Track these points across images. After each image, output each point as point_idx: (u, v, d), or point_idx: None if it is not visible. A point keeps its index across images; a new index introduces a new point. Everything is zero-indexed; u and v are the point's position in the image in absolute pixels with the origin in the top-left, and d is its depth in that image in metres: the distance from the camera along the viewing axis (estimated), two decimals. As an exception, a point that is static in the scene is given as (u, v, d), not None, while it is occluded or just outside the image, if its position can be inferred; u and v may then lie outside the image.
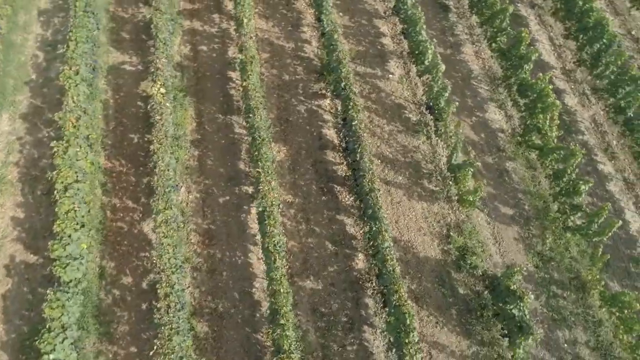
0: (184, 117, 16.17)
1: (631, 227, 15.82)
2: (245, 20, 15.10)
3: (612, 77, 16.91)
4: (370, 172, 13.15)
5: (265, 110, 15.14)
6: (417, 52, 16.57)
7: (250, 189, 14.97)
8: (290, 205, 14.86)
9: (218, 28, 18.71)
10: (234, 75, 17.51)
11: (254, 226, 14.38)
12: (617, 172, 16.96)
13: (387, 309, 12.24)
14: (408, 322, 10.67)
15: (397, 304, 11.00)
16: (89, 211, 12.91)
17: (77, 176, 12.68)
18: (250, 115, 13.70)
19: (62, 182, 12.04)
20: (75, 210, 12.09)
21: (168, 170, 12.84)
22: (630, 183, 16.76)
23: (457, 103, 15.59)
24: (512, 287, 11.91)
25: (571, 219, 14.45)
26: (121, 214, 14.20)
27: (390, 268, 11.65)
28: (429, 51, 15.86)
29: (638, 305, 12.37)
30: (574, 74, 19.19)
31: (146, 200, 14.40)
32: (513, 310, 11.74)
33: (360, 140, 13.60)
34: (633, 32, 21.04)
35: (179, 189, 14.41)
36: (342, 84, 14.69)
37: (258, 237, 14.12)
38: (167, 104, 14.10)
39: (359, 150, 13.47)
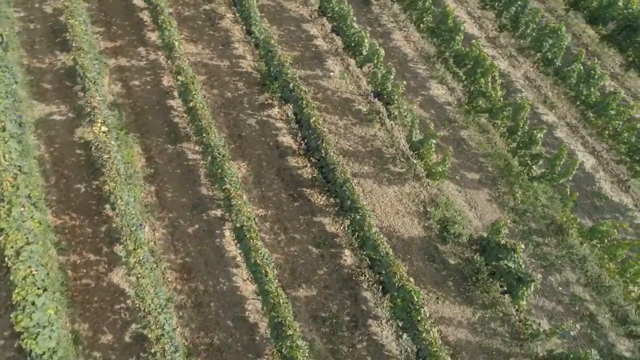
0: (130, 154, 15.22)
1: (586, 165, 16.70)
2: (176, 44, 14.57)
3: (534, 34, 18.01)
4: (340, 163, 12.94)
5: (216, 129, 14.59)
6: (352, 44, 16.77)
7: (218, 213, 14.26)
8: (264, 218, 14.29)
9: (146, 60, 17.98)
10: (174, 103, 16.83)
11: (231, 249, 13.66)
12: (560, 119, 17.96)
13: (388, 296, 11.94)
14: (416, 299, 10.42)
15: (400, 284, 10.74)
16: (47, 274, 11.66)
17: (27, 238, 11.44)
18: (204, 134, 13.10)
19: (12, 247, 10.77)
20: (33, 275, 10.84)
21: (128, 208, 11.91)
22: (574, 126, 17.78)
23: (404, 82, 15.85)
24: (502, 242, 12.05)
25: (534, 169, 15.00)
26: (84, 270, 12.96)
27: (384, 252, 11.40)
28: (365, 40, 16.10)
29: (616, 231, 12.95)
30: (498, 40, 20.28)
31: (108, 249, 13.31)
32: (508, 264, 11.85)
33: (322, 136, 13.40)
34: (538, -6, 22.69)
35: (142, 228, 13.43)
36: (291, 85, 14.48)
37: (238, 259, 13.43)
38: (112, 142, 13.18)
39: (323, 146, 13.24)
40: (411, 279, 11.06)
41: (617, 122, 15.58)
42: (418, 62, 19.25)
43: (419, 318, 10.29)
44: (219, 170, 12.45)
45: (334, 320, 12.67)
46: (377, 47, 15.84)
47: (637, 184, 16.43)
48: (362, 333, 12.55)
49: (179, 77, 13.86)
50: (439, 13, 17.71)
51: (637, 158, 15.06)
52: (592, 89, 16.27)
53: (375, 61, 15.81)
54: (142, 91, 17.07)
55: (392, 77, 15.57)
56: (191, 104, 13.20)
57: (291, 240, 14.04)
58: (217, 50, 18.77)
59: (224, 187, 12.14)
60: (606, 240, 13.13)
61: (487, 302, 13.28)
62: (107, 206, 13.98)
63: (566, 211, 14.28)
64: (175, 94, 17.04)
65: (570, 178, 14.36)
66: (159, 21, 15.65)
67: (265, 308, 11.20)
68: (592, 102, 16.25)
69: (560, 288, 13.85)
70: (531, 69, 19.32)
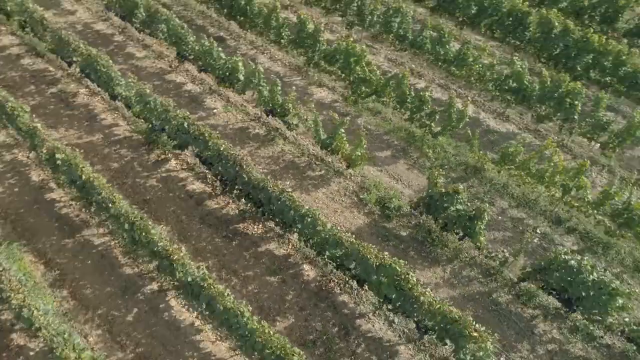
0: (23, 267, 12.72)
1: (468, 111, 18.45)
2: (38, 126, 12.75)
3: (381, 19, 19.75)
4: (267, 179, 12.34)
5: (119, 199, 12.95)
6: (227, 74, 16.50)
7: (155, 286, 12.54)
8: (208, 270, 12.86)
9: (2, 163, 15.51)
10: (55, 195, 14.68)
11: (184, 316, 12.03)
12: (430, 82, 19.71)
13: (366, 285, 11.50)
14: (399, 269, 10.14)
15: (378, 263, 10.38)
16: None
17: None
18: (110, 205, 11.48)
19: None
20: None
21: (48, 317, 9.75)
22: (444, 85, 19.66)
23: (294, 87, 15.95)
24: (443, 191, 12.50)
25: (433, 126, 16.09)
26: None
27: (347, 242, 10.98)
28: (240, 64, 15.97)
29: (522, 147, 14.36)
30: (352, 37, 21.74)
31: (37, 383, 10.74)
32: (457, 207, 12.29)
33: (238, 160, 12.67)
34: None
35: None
36: (185, 125, 13.56)
37: (197, 323, 11.88)
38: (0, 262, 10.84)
39: (244, 169, 12.52)
40: (386, 253, 10.79)
41: (477, 66, 17.61)
42: (292, 75, 19.69)
43: (410, 285, 10.00)
44: (144, 234, 10.94)
45: (324, 337, 11.78)
46: (254, 66, 15.80)
47: (513, 111, 18.64)
48: (356, 337, 11.84)
49: (57, 156, 12.05)
50: (296, 24, 18.44)
51: (505, 88, 17.13)
52: (447, 47, 18.24)
53: (257, 80, 15.72)
54: (11, 196, 14.59)
55: (279, 88, 15.58)
56: (84, 178, 11.51)
57: (245, 280, 12.89)
58: (83, 127, 17.02)
59: (155, 249, 10.65)
60: (517, 159, 14.47)
61: (451, 256, 13.59)
62: (14, 335, 11.37)
63: (475, 151, 15.49)
64: (53, 184, 14.90)
65: (468, 120, 15.70)
66: (7, 111, 13.61)
67: (255, 352, 9.90)
68: (451, 58, 18.18)
69: (500, 217, 14.82)
70: (389, 51, 21.06)
